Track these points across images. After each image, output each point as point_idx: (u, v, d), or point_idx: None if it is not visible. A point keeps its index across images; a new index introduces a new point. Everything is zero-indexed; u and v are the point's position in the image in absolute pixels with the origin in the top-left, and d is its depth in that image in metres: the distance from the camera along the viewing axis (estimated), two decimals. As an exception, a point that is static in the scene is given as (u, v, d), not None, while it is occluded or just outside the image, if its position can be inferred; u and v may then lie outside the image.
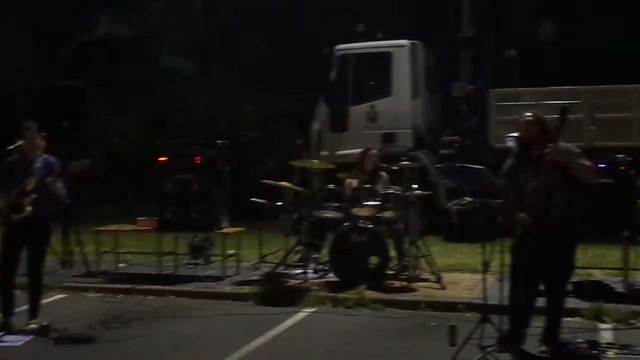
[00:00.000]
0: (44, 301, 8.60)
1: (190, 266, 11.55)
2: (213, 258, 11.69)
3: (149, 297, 9.87)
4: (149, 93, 22.11)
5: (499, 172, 7.26)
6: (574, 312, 8.27)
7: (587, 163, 6.75)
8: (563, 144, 6.71)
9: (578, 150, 6.85)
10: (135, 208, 14.59)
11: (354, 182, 10.58)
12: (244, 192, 11.91)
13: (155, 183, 11.00)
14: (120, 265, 11.67)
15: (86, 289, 10.34)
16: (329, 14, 20.63)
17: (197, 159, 10.81)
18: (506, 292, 6.96)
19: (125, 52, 22.97)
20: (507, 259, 6.94)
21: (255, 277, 10.64)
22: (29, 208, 7.75)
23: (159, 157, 10.95)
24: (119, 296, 9.98)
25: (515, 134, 6.89)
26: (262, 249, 11.57)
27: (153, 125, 21.25)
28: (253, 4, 22.25)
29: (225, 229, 11.03)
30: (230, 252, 11.17)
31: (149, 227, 11.17)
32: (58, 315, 8.55)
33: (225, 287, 10.21)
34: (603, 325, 8.15)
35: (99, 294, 10.15)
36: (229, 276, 10.77)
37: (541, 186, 6.65)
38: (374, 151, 10.88)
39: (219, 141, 11.28)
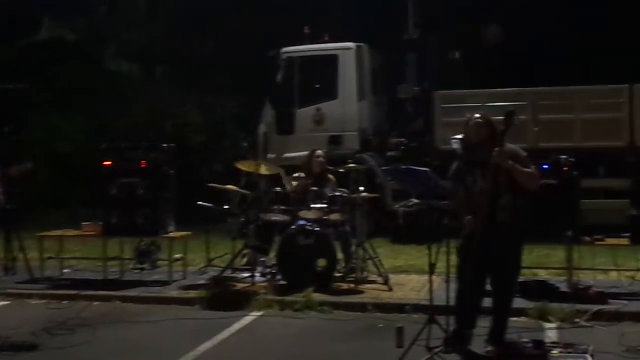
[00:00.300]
0: (-14, 309, 8.48)
1: (137, 271, 11.45)
2: (160, 263, 11.60)
3: (95, 303, 9.75)
4: (93, 96, 21.91)
5: (445, 174, 7.30)
6: (520, 312, 8.36)
7: (529, 170, 6.81)
8: (509, 146, 6.77)
9: (524, 154, 6.92)
10: (80, 213, 14.42)
11: (294, 183, 10.59)
12: (190, 196, 11.86)
13: (100, 188, 10.88)
14: (65, 271, 11.51)
15: (30, 296, 10.17)
16: (276, 16, 20.63)
17: (143, 163, 10.70)
18: (453, 293, 7.00)
19: (69, 55, 22.72)
20: (454, 260, 6.99)
21: (202, 282, 10.57)
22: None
23: (104, 162, 10.83)
24: (64, 302, 9.82)
25: (460, 137, 6.94)
26: (209, 253, 11.49)
27: (98, 129, 21.04)
28: (198, 7, 22.18)
29: (171, 234, 10.95)
30: (177, 256, 11.09)
31: (94, 232, 11.04)
32: (0, 322, 8.41)
33: (172, 292, 10.13)
34: (548, 325, 8.26)
35: (43, 301, 9.98)
36: (175, 281, 10.69)
37: (488, 188, 6.71)
38: (320, 153, 10.90)
39: (165, 145, 11.19)
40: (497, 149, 6.60)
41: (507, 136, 6.66)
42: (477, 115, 7.02)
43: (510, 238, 6.84)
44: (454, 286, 7.00)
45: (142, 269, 11.52)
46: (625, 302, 8.87)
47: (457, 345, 6.93)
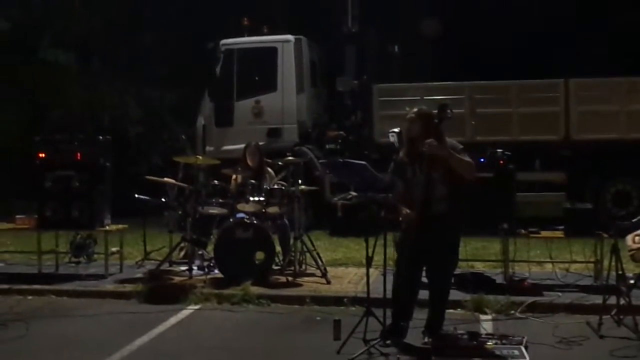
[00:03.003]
0: None
1: (72, 265, 11.29)
2: (96, 256, 11.46)
3: (28, 297, 9.60)
4: (28, 87, 21.58)
5: (383, 166, 7.34)
6: (456, 304, 8.44)
7: (467, 159, 6.87)
8: (447, 140, 6.82)
9: (461, 147, 6.98)
10: (13, 206, 14.18)
11: (239, 178, 10.59)
12: (127, 188, 11.73)
13: (34, 180, 10.70)
14: (-2, 264, 11.36)
15: (-39, 290, 9.98)
16: (214, 7, 20.52)
17: (78, 155, 10.56)
18: (389, 285, 7.03)
19: (3, 45, 22.29)
20: (390, 252, 7.02)
21: (139, 275, 10.49)
22: None
23: (38, 154, 10.65)
24: (-4, 297, 9.69)
25: (396, 130, 6.98)
26: (146, 246, 11.40)
27: (32, 120, 20.73)
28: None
29: (107, 226, 10.81)
30: (113, 249, 10.97)
31: (28, 225, 10.86)
32: None
33: (108, 286, 10.01)
34: (483, 316, 8.33)
35: (-25, 295, 9.81)
36: (112, 274, 10.57)
37: (423, 179, 6.75)
38: (254, 146, 10.88)
39: (101, 137, 11.05)
40: (428, 140, 6.64)
41: (443, 129, 6.72)
42: (411, 111, 7.07)
43: (446, 230, 6.89)
44: (390, 278, 7.03)
45: (78, 263, 11.37)
46: (559, 293, 9.00)
47: (393, 338, 6.96)
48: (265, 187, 10.23)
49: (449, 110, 6.75)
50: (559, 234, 9.64)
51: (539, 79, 15.70)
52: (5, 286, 9.91)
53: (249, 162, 10.73)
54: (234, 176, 10.76)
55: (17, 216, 11.08)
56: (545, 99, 15.43)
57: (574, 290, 9.19)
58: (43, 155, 10.66)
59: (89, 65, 23.30)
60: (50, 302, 9.44)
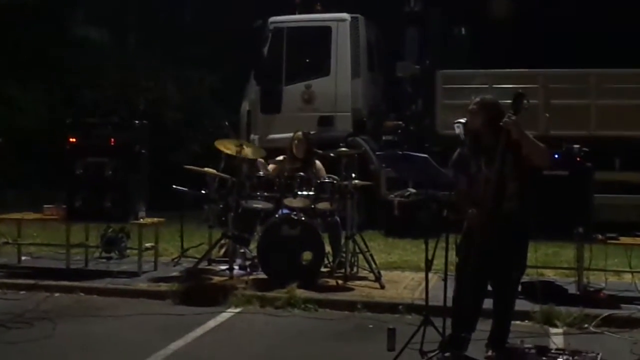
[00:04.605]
0: None
1: (103, 260, 11.46)
2: (128, 251, 11.62)
3: (56, 294, 9.76)
4: (58, 66, 21.88)
5: (445, 160, 7.34)
6: (524, 315, 8.43)
7: (540, 144, 6.79)
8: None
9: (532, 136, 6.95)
10: (41, 194, 14.42)
11: (271, 167, 10.62)
12: (164, 178, 11.87)
13: (63, 167, 10.88)
14: (23, 258, 11.55)
15: (-16, 285, 10.21)
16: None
17: (112, 141, 10.71)
18: (450, 292, 7.05)
19: (31, 20, 22.63)
20: (452, 256, 7.03)
21: (175, 273, 10.63)
22: None
23: (69, 138, 10.83)
24: (21, 292, 9.84)
25: (463, 120, 6.97)
26: (184, 242, 11.54)
27: (62, 102, 21.04)
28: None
29: (142, 220, 10.96)
30: (148, 245, 11.12)
31: (56, 216, 11.06)
32: (-49, 313, 8.43)
33: (142, 284, 10.15)
34: (554, 330, 8.30)
35: (-2, 290, 10.03)
36: (145, 272, 10.71)
37: (494, 176, 6.72)
38: (300, 134, 10.85)
39: (137, 121, 11.20)
40: (508, 115, 6.59)
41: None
42: (474, 101, 7.05)
43: (515, 231, 6.85)
44: (452, 285, 7.05)
45: (109, 258, 11.55)
46: (639, 307, 8.95)
47: (453, 350, 6.98)
48: (314, 180, 10.26)
49: (525, 101, 6.73)
50: (641, 240, 9.58)
51: (623, 68, 15.52)
52: (31, 281, 10.10)
53: (296, 153, 10.76)
54: (270, 165, 10.76)
55: (45, 206, 11.27)
56: (628, 90, 15.25)
57: (655, 303, 9.15)
58: (74, 140, 10.82)
59: (124, 43, 23.58)
60: (78, 300, 9.60)
